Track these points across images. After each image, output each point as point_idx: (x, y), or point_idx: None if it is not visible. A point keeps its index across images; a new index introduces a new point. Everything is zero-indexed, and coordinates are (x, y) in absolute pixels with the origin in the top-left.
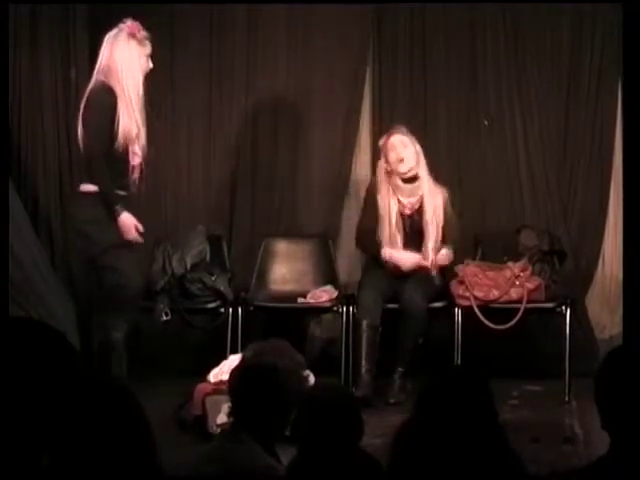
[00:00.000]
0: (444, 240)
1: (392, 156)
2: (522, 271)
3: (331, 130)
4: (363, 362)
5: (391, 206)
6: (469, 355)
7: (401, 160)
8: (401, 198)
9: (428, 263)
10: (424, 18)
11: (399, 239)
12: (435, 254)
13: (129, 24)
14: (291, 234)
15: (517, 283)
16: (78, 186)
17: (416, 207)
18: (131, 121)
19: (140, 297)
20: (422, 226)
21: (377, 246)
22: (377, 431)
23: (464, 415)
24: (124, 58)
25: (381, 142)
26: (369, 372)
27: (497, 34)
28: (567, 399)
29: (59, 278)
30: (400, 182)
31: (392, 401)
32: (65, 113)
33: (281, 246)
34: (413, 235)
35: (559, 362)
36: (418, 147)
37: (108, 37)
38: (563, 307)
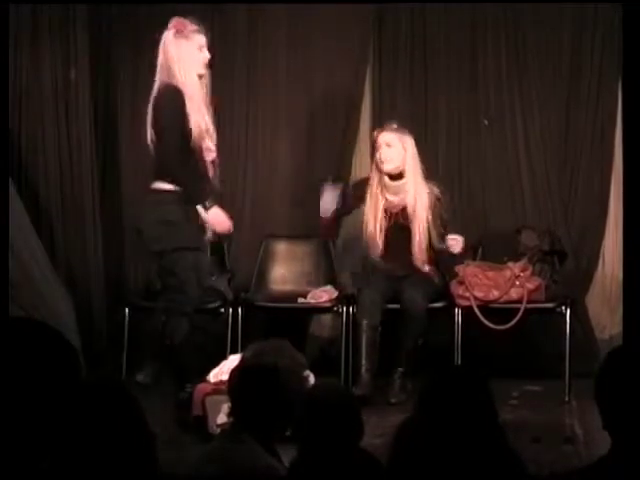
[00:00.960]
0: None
1: (377, 155)
2: (522, 271)
3: (331, 129)
4: (363, 361)
5: (378, 202)
6: (469, 355)
7: (383, 160)
8: (387, 195)
9: (418, 262)
10: (425, 18)
11: (381, 235)
12: (422, 252)
13: (174, 22)
14: (291, 234)
15: (517, 283)
16: (149, 184)
17: (402, 205)
18: (200, 116)
19: (196, 302)
20: (408, 224)
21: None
22: (377, 431)
23: (464, 415)
24: (177, 56)
25: (374, 135)
26: (369, 371)
27: (498, 34)
28: (567, 399)
29: (60, 278)
30: (387, 179)
31: (393, 401)
32: (65, 113)
33: (281, 246)
34: (399, 232)
35: (559, 362)
36: (409, 143)
37: (162, 39)
38: (563, 307)
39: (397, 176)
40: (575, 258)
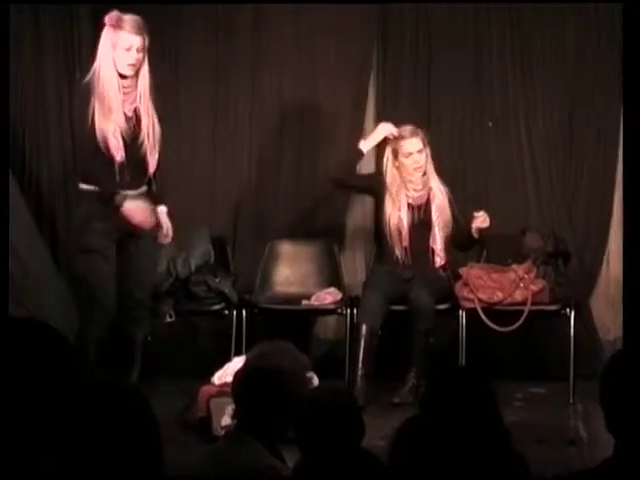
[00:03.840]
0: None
1: (408, 162)
2: (526, 273)
3: (336, 132)
4: (360, 366)
5: (401, 198)
6: (473, 357)
7: (417, 168)
8: (412, 191)
9: (437, 255)
10: (428, 20)
11: (405, 229)
12: (442, 246)
13: (107, 17)
14: (295, 236)
15: (521, 285)
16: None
17: (425, 199)
18: (106, 118)
19: (111, 311)
20: (430, 217)
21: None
22: (382, 433)
23: (467, 417)
24: (101, 53)
25: (395, 134)
26: (365, 377)
27: (502, 35)
28: (571, 401)
29: (62, 278)
30: (411, 176)
31: (396, 401)
32: (69, 114)
33: (285, 248)
34: (421, 226)
35: (563, 364)
36: (426, 141)
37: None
38: (567, 309)
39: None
40: (579, 260)
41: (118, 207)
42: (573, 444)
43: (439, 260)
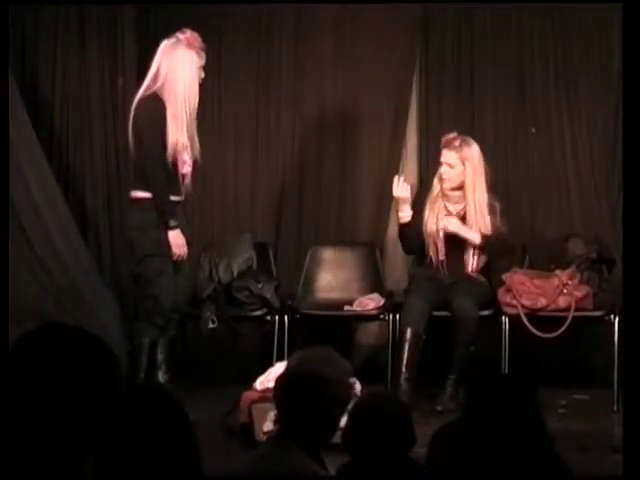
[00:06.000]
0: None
1: (439, 171)
2: (570, 279)
3: (378, 138)
4: (403, 369)
5: (440, 208)
6: (516, 363)
7: (444, 179)
8: (448, 204)
9: (470, 269)
10: (471, 24)
11: (441, 241)
12: (477, 261)
13: (189, 35)
14: (338, 242)
15: (565, 291)
16: (129, 192)
17: (462, 214)
18: (178, 131)
19: (170, 310)
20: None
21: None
22: (423, 440)
23: (509, 423)
24: (178, 68)
25: (441, 143)
26: (408, 380)
27: (545, 38)
28: (616, 408)
29: (106, 284)
30: (447, 190)
31: (439, 409)
32: (113, 120)
33: (328, 254)
34: (455, 239)
35: (608, 371)
36: (470, 157)
37: (164, 46)
38: (611, 315)
39: (458, 187)
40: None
41: (168, 228)
42: (617, 452)
43: (471, 272)
